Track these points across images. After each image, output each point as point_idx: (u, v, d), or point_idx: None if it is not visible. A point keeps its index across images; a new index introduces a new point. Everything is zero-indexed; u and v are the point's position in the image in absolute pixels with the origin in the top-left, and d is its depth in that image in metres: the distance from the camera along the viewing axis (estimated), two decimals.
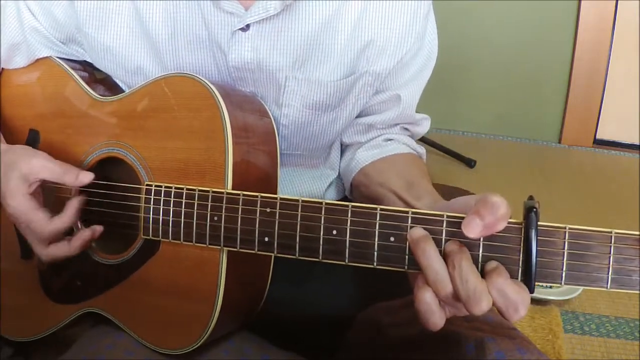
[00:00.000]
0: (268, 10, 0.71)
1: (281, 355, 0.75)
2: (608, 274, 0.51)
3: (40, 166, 0.71)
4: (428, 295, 0.53)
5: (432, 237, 0.55)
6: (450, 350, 0.65)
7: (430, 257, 0.54)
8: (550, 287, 1.58)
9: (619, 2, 2.51)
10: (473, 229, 0.52)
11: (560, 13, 2.56)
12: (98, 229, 0.74)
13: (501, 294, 0.51)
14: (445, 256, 0.54)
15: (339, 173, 0.92)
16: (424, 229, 0.55)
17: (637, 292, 0.51)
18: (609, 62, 2.58)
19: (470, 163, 2.40)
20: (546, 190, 2.23)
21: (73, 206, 0.72)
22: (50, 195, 0.77)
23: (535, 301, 1.53)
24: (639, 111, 2.60)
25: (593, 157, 2.65)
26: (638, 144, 2.66)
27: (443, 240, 0.55)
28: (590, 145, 2.69)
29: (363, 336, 0.76)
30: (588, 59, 2.59)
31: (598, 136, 2.70)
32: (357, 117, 0.86)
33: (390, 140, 0.88)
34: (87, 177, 0.73)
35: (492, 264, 0.53)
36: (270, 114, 0.76)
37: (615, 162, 2.60)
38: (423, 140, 2.20)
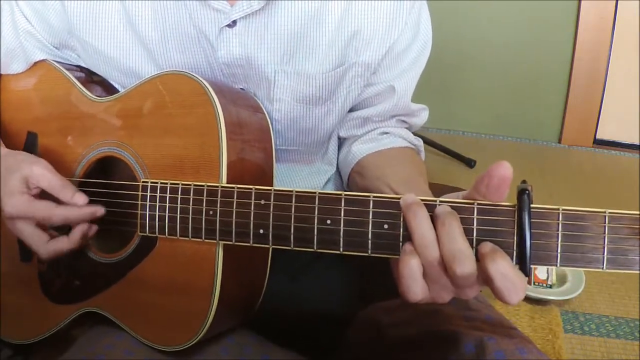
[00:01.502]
0: (252, 6, 0.72)
1: (281, 354, 0.75)
2: (603, 254, 0.50)
3: (41, 174, 0.71)
4: (414, 262, 0.53)
5: None
6: (450, 350, 0.64)
7: (421, 220, 0.53)
8: (550, 286, 1.57)
9: (619, 2, 2.51)
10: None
11: (560, 13, 2.56)
12: (94, 227, 0.73)
13: (505, 276, 0.50)
14: (435, 219, 0.53)
15: (337, 168, 0.92)
16: None
17: (636, 272, 0.50)
18: (609, 62, 2.58)
19: (470, 163, 2.40)
20: (546, 190, 2.22)
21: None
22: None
23: (535, 301, 1.52)
24: (639, 111, 2.60)
25: (593, 157, 2.64)
26: (638, 144, 2.66)
27: None
28: (590, 145, 2.69)
29: (363, 336, 0.76)
30: (588, 59, 2.58)
31: (598, 136, 2.70)
32: (352, 110, 0.86)
33: (386, 133, 0.88)
34: (81, 199, 0.72)
35: (489, 246, 0.52)
36: (264, 110, 0.76)
37: (615, 162, 2.59)
38: (423, 139, 2.20)
